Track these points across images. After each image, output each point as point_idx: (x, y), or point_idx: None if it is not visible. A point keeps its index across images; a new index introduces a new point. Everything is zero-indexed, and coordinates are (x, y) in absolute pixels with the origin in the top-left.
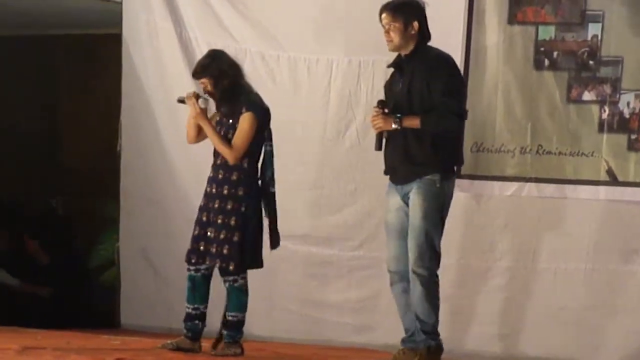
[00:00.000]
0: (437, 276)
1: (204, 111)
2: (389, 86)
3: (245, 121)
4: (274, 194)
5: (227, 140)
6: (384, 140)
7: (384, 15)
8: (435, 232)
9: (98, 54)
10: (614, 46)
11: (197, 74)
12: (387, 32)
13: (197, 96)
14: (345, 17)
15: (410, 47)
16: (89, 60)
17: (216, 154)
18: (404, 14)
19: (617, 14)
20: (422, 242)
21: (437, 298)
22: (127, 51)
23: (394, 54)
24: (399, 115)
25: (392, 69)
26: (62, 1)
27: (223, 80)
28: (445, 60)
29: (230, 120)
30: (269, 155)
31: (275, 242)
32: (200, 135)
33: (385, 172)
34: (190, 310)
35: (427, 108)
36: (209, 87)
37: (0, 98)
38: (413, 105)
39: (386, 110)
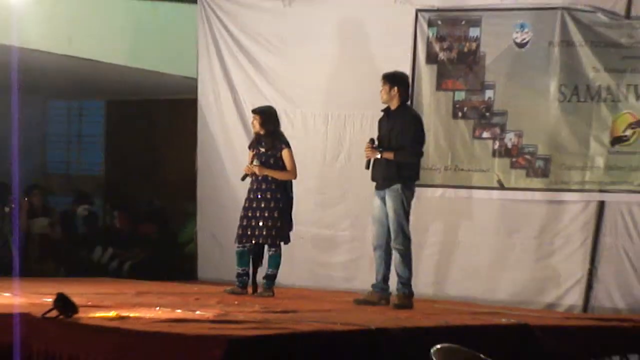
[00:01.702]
0: (409, 248)
1: (261, 168)
2: (380, 123)
3: (289, 154)
4: (292, 197)
5: (277, 167)
6: (371, 163)
7: (381, 80)
8: (404, 221)
9: (183, 111)
10: (501, 104)
11: (256, 111)
12: (381, 91)
13: (254, 172)
14: (336, 86)
15: (395, 104)
16: (177, 115)
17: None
18: (389, 81)
19: (504, 84)
20: (396, 227)
21: (411, 262)
22: (201, 109)
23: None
24: (381, 149)
25: (381, 114)
26: (160, 76)
27: (269, 123)
28: (416, 119)
29: (272, 152)
30: None
31: (290, 226)
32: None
33: (372, 180)
34: (239, 271)
35: (400, 146)
36: (257, 123)
37: (119, 141)
38: (391, 143)
39: (374, 145)
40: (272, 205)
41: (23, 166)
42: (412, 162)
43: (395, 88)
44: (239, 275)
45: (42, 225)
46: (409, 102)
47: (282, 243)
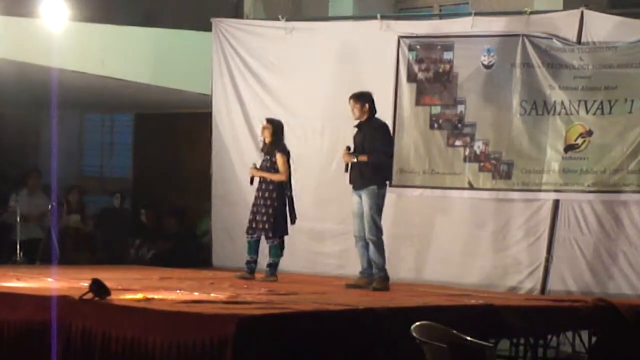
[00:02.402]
0: (381, 239)
1: (253, 170)
2: (354, 137)
3: (281, 159)
4: (292, 196)
5: (273, 170)
6: (349, 166)
7: (350, 101)
8: (377, 215)
9: (199, 123)
10: (471, 116)
11: (270, 121)
12: (352, 109)
13: (252, 174)
14: (330, 102)
15: (365, 117)
16: (194, 126)
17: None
18: (359, 100)
19: (473, 99)
20: (370, 221)
21: (383, 250)
22: (215, 121)
23: (357, 121)
24: (356, 154)
25: (356, 128)
26: (180, 93)
27: (276, 133)
28: (383, 126)
29: (269, 157)
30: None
31: (293, 220)
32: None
33: (349, 182)
34: (248, 258)
35: (372, 150)
36: (268, 132)
37: (145, 148)
38: (365, 149)
39: (350, 151)
40: (268, 203)
41: (63, 170)
42: (384, 163)
43: (367, 105)
44: (247, 262)
45: (75, 220)
46: (389, 115)
47: (277, 235)
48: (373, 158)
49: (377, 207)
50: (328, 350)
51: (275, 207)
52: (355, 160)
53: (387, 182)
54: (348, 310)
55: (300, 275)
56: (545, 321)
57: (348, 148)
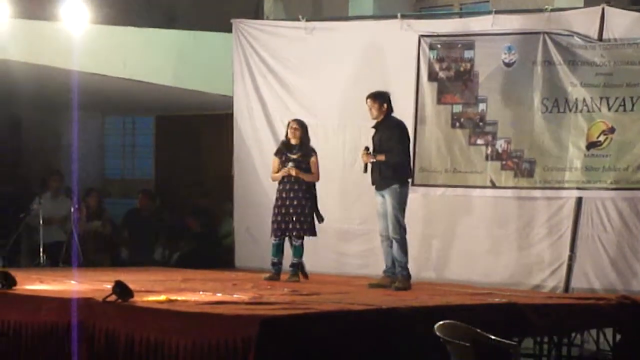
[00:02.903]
0: (405, 238)
1: (298, 171)
2: (373, 138)
3: (316, 161)
4: (316, 196)
5: (307, 171)
6: (369, 167)
7: (368, 100)
8: (400, 214)
9: (221, 124)
10: (493, 115)
11: (301, 123)
12: (369, 109)
13: (289, 173)
14: (352, 101)
15: (382, 117)
16: (216, 128)
17: (288, 177)
18: (377, 100)
19: (494, 97)
20: (393, 220)
21: (406, 249)
22: (237, 123)
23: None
24: (374, 154)
25: (374, 129)
26: (201, 95)
27: (307, 134)
28: (399, 124)
29: (303, 158)
30: None
31: (320, 220)
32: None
33: (372, 184)
34: (274, 260)
35: (389, 149)
36: (297, 133)
37: (167, 150)
38: (382, 148)
39: (369, 151)
40: (303, 202)
41: (85, 173)
42: (402, 161)
43: (384, 104)
44: (273, 264)
45: (97, 225)
46: (410, 114)
47: (309, 235)
48: (390, 157)
49: (400, 205)
50: (351, 350)
51: (310, 207)
52: (373, 160)
53: (409, 180)
54: (371, 310)
55: (324, 276)
56: (569, 319)
57: (367, 148)
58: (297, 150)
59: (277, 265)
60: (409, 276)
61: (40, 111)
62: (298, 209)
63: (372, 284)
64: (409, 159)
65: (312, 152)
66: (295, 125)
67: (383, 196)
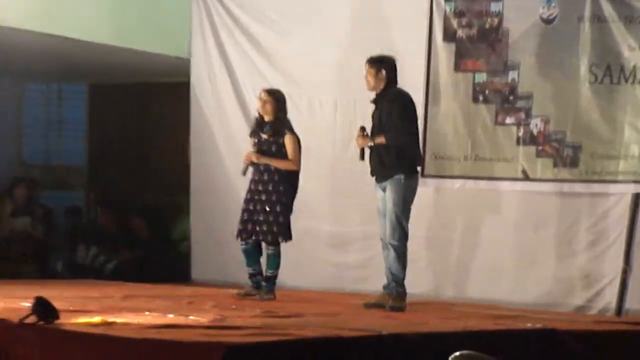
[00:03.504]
0: (405, 246)
1: (259, 156)
2: (372, 115)
3: (292, 141)
4: (296, 190)
5: (279, 155)
6: (366, 153)
7: (365, 65)
8: (403, 215)
9: (174, 95)
10: (527, 86)
11: (272, 94)
12: (365, 77)
13: (251, 160)
14: (345, 70)
15: (380, 88)
16: (167, 100)
17: (257, 165)
18: (373, 65)
19: (529, 64)
20: (393, 221)
21: (405, 260)
22: (194, 93)
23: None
24: (372, 136)
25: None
26: (149, 57)
27: (282, 109)
28: (401, 95)
29: (274, 138)
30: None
31: None
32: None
33: (371, 174)
34: (250, 271)
35: (390, 128)
36: (268, 107)
37: (104, 128)
38: (382, 128)
39: (365, 133)
40: (274, 198)
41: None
42: (407, 144)
43: (383, 71)
44: (250, 275)
45: (24, 223)
46: (421, 84)
47: (283, 241)
48: (391, 139)
49: (404, 202)
50: None
51: (283, 204)
52: (371, 144)
53: (418, 170)
54: (367, 338)
55: (306, 292)
56: (622, 350)
57: (362, 129)
58: (268, 129)
59: (254, 277)
60: (404, 293)
61: None
62: (267, 205)
63: (367, 304)
64: (416, 140)
65: (286, 129)
66: (264, 97)
67: (384, 190)
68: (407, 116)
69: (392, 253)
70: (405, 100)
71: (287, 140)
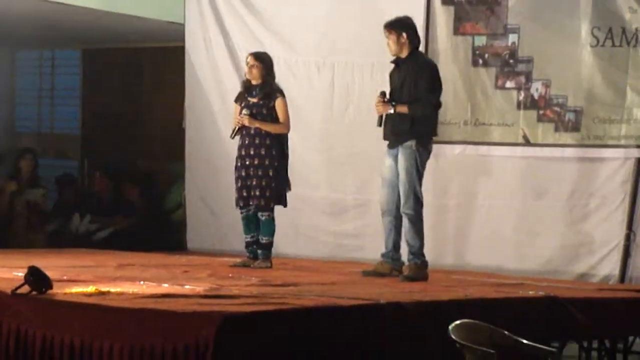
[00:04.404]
0: (420, 214)
1: (251, 119)
2: (390, 76)
3: (283, 103)
4: (287, 154)
5: (270, 119)
6: (383, 119)
7: (384, 31)
8: (416, 183)
9: (168, 60)
10: (527, 49)
11: (259, 57)
12: (387, 44)
13: (243, 124)
14: (342, 32)
15: (405, 52)
16: (161, 65)
17: (247, 129)
18: (395, 28)
19: (529, 27)
20: (407, 189)
21: (422, 230)
22: (189, 58)
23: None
24: (393, 102)
25: (388, 66)
26: (142, 22)
27: (271, 72)
28: (429, 66)
29: (264, 101)
30: None
31: (288, 186)
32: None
33: (384, 139)
34: (248, 239)
35: (413, 99)
36: (257, 70)
37: (97, 94)
38: (403, 95)
39: (386, 99)
40: (266, 162)
41: None
42: (429, 115)
43: (404, 34)
44: (247, 244)
45: (35, 195)
46: (420, 49)
47: (275, 206)
48: (415, 110)
49: (418, 170)
50: (337, 358)
51: (276, 168)
52: (392, 111)
53: (432, 138)
54: (365, 306)
55: (303, 261)
56: (625, 318)
57: (383, 94)
58: (258, 92)
59: (251, 246)
60: (424, 264)
61: None
62: (260, 170)
63: (366, 272)
64: (437, 112)
65: (277, 92)
66: (251, 61)
67: (395, 157)
68: (434, 89)
69: (407, 223)
70: (434, 72)
71: (278, 103)
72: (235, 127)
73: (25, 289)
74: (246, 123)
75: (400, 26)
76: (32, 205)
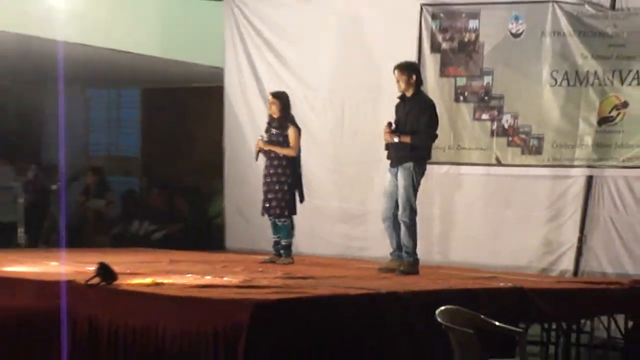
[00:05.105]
0: (414, 221)
1: (264, 143)
2: (397, 108)
3: (294, 132)
4: (300, 173)
5: (285, 144)
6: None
7: (396, 71)
8: (412, 196)
9: (211, 98)
10: (499, 88)
11: (278, 96)
12: (397, 82)
13: (260, 147)
14: (349, 73)
15: (411, 91)
16: (205, 101)
17: (268, 153)
18: (405, 71)
19: (501, 70)
20: (404, 201)
21: (415, 234)
22: (227, 96)
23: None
24: (398, 133)
25: (393, 98)
26: (190, 66)
27: (287, 107)
28: (430, 104)
29: (280, 131)
30: (299, 151)
31: (302, 199)
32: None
33: (387, 158)
34: (275, 239)
35: (415, 130)
36: (275, 107)
37: (154, 125)
38: (407, 127)
39: (392, 129)
40: (282, 179)
41: (68, 149)
42: (427, 146)
43: (414, 76)
44: (274, 243)
45: (99, 205)
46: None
47: (289, 214)
48: (416, 140)
49: (413, 186)
50: (348, 337)
51: (289, 184)
52: (397, 140)
53: (426, 161)
54: (369, 295)
55: (319, 258)
56: (578, 305)
57: (389, 124)
58: (276, 124)
59: (277, 245)
60: (416, 262)
61: (21, 82)
62: (276, 185)
63: (381, 268)
64: (433, 141)
65: (290, 123)
66: (271, 99)
67: (395, 174)
68: (432, 124)
69: (403, 228)
70: (433, 110)
71: (290, 132)
72: (257, 150)
73: (96, 280)
74: (261, 146)
75: (411, 69)
76: (97, 212)
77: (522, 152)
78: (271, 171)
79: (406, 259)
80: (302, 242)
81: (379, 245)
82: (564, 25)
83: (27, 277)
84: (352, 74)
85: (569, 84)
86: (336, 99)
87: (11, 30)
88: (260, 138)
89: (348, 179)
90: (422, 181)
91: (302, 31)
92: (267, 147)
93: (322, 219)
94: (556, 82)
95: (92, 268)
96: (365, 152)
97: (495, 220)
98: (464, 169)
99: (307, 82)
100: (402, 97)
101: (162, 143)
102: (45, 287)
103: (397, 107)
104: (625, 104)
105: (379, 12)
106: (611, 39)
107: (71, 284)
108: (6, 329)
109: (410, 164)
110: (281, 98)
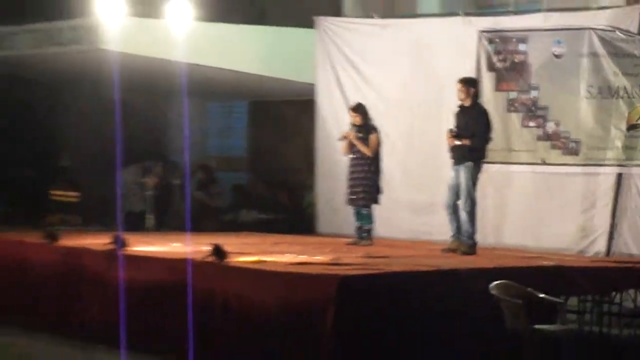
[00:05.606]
0: (474, 210)
1: (354, 134)
2: (457, 116)
3: (375, 137)
4: (380, 169)
5: (365, 143)
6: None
7: (459, 84)
8: (472, 189)
9: (305, 109)
10: (544, 100)
11: (356, 110)
12: (459, 92)
13: (349, 136)
14: (416, 86)
15: (469, 101)
16: (300, 112)
17: (354, 152)
18: (467, 85)
19: (546, 86)
20: (466, 194)
21: (475, 221)
22: (319, 108)
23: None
24: (459, 137)
25: (453, 108)
26: (287, 83)
27: (366, 118)
28: (485, 113)
29: (364, 135)
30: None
31: (380, 191)
32: (348, 149)
33: (451, 158)
34: (358, 225)
35: (473, 134)
36: (358, 118)
37: (258, 131)
38: (466, 131)
39: (454, 134)
40: (369, 175)
41: (191, 150)
42: (483, 147)
43: (472, 89)
44: (357, 228)
45: (200, 196)
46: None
47: (371, 204)
48: (474, 142)
49: (473, 181)
50: (417, 306)
51: (371, 179)
52: (458, 143)
53: (483, 160)
54: (434, 271)
55: (394, 241)
56: (609, 280)
57: (451, 131)
58: (360, 129)
59: (360, 229)
60: (474, 244)
61: (149, 97)
62: (363, 180)
63: (444, 249)
64: (488, 144)
65: (372, 129)
66: (352, 113)
67: (457, 171)
68: (488, 128)
69: (465, 216)
70: (488, 118)
71: (373, 137)
72: (345, 137)
73: (211, 258)
74: (350, 136)
75: (471, 83)
76: (199, 202)
77: (563, 153)
78: (358, 168)
79: (466, 241)
80: (380, 227)
81: (442, 230)
82: (598, 47)
83: (156, 255)
84: (418, 87)
85: (602, 97)
86: (406, 107)
87: (142, 54)
88: (351, 130)
89: (416, 175)
90: (480, 177)
91: (380, 53)
92: (354, 140)
93: (396, 208)
94: (591, 95)
95: (206, 248)
96: (431, 152)
97: (540, 210)
98: (514, 167)
99: (384, 95)
100: (461, 107)
101: (265, 146)
102: (171, 263)
103: (457, 115)
104: None
105: (444, 37)
106: (637, 59)
107: (189, 262)
108: (139, 298)
109: (470, 163)
110: (359, 109)
